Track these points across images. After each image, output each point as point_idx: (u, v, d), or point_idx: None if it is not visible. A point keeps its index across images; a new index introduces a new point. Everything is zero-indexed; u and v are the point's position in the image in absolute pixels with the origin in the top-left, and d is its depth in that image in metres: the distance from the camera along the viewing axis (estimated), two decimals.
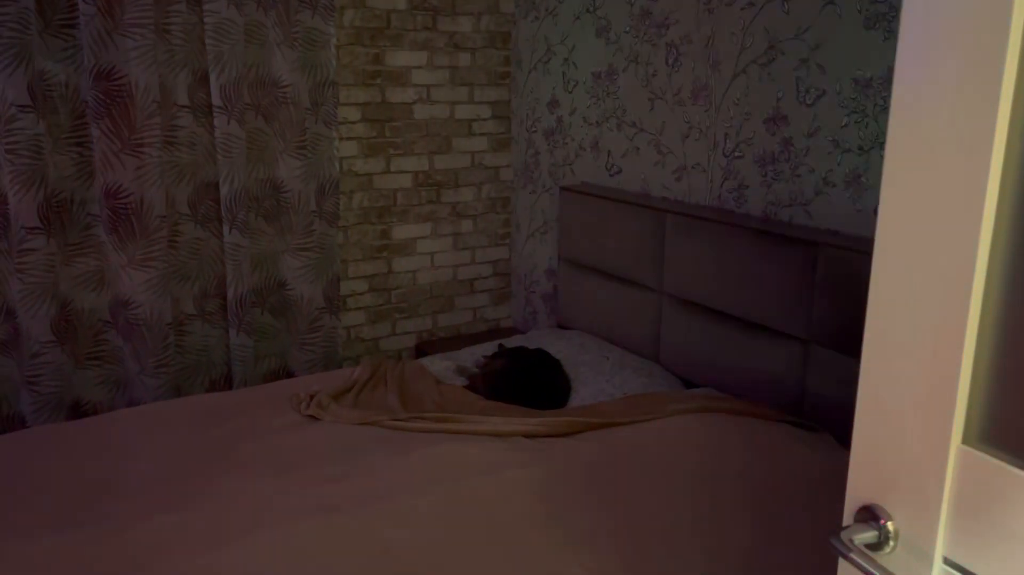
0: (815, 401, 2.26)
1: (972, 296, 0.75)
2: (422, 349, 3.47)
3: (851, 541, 0.84)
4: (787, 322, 2.30)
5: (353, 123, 3.22)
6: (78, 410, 2.82)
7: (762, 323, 2.37)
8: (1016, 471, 0.74)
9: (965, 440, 0.78)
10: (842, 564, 0.88)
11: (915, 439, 0.81)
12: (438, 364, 2.80)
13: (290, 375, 3.16)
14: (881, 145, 2.12)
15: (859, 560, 0.81)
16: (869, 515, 0.86)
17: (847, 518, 0.89)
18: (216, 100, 2.80)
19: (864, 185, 2.20)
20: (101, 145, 2.66)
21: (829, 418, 2.20)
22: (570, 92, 3.24)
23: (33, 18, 2.52)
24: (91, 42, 2.59)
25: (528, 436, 2.18)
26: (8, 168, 2.54)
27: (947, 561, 0.80)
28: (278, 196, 3.03)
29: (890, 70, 2.06)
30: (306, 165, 3.03)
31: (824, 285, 2.19)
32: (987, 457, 0.76)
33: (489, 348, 2.93)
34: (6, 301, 2.68)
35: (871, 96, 2.15)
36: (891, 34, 2.09)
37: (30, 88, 2.53)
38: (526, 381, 2.55)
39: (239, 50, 2.81)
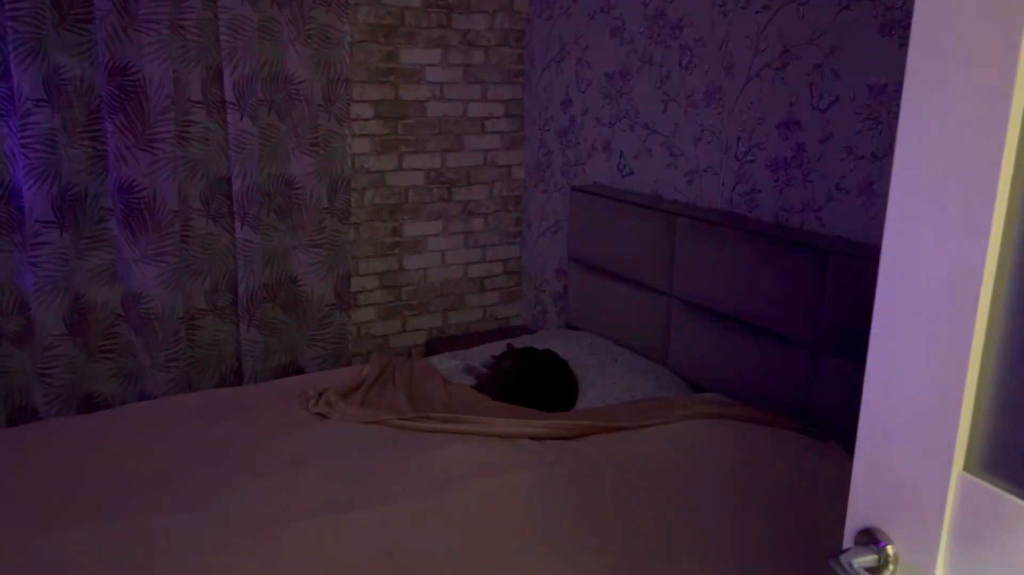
0: (823, 409, 2.25)
1: (977, 322, 0.75)
2: (432, 346, 3.48)
3: (851, 564, 0.83)
4: (796, 328, 2.29)
5: (366, 120, 3.23)
6: (90, 402, 2.85)
7: (771, 329, 2.36)
8: (1016, 501, 0.73)
9: (967, 467, 0.77)
10: None
11: (917, 464, 0.81)
12: (446, 363, 2.81)
13: (300, 371, 3.17)
14: None
15: None
16: (869, 538, 0.85)
17: (847, 540, 0.88)
18: (229, 96, 2.81)
19: (876, 193, 2.18)
20: (115, 140, 2.68)
21: (836, 426, 2.20)
22: (583, 92, 3.23)
23: (48, 13, 2.53)
24: (106, 37, 2.60)
25: (534, 438, 2.19)
26: (23, 162, 2.56)
27: None
28: (290, 192, 3.04)
29: None
30: (318, 162, 3.03)
31: (834, 292, 2.18)
32: (988, 485, 0.75)
33: (498, 347, 2.93)
34: (20, 294, 2.70)
35: (885, 103, 2.13)
36: (907, 41, 2.06)
37: (45, 82, 2.54)
38: (534, 383, 2.55)
39: (253, 46, 2.82)
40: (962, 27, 0.74)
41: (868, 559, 0.84)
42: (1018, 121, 0.71)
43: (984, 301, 0.74)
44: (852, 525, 0.88)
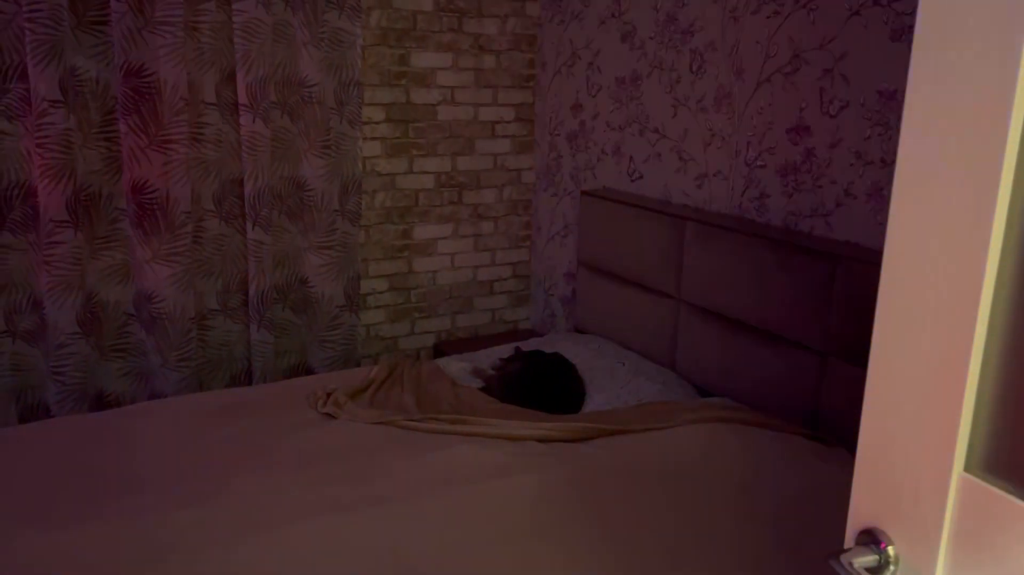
0: (830, 414, 2.25)
1: (977, 323, 0.75)
2: (440, 349, 3.49)
3: (851, 564, 0.84)
4: (804, 333, 2.29)
5: (377, 123, 3.25)
6: (101, 401, 2.87)
7: (779, 334, 2.37)
8: (1016, 501, 0.73)
9: (967, 468, 0.78)
10: None
11: (917, 465, 0.81)
12: (455, 365, 2.82)
13: (309, 371, 3.19)
14: None
15: None
16: (870, 539, 0.86)
17: (848, 540, 0.89)
18: (242, 98, 2.83)
19: (886, 198, 2.18)
20: (129, 141, 2.71)
21: (844, 432, 2.19)
22: (593, 96, 3.24)
23: (66, 15, 2.56)
24: (122, 39, 2.63)
25: (541, 441, 2.19)
26: (38, 161, 2.60)
27: None
28: (301, 194, 3.06)
29: None
30: (330, 164, 3.06)
31: (842, 298, 2.18)
32: (988, 486, 0.76)
33: (506, 350, 2.94)
34: (34, 293, 2.73)
35: (895, 109, 2.13)
36: None
37: (61, 83, 2.57)
38: (541, 385, 2.56)
39: (266, 49, 2.84)
40: (964, 34, 0.75)
41: (868, 559, 0.85)
42: (1019, 127, 0.71)
43: (984, 303, 0.74)
44: (853, 525, 0.89)
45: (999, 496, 0.75)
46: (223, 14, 2.79)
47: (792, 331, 2.33)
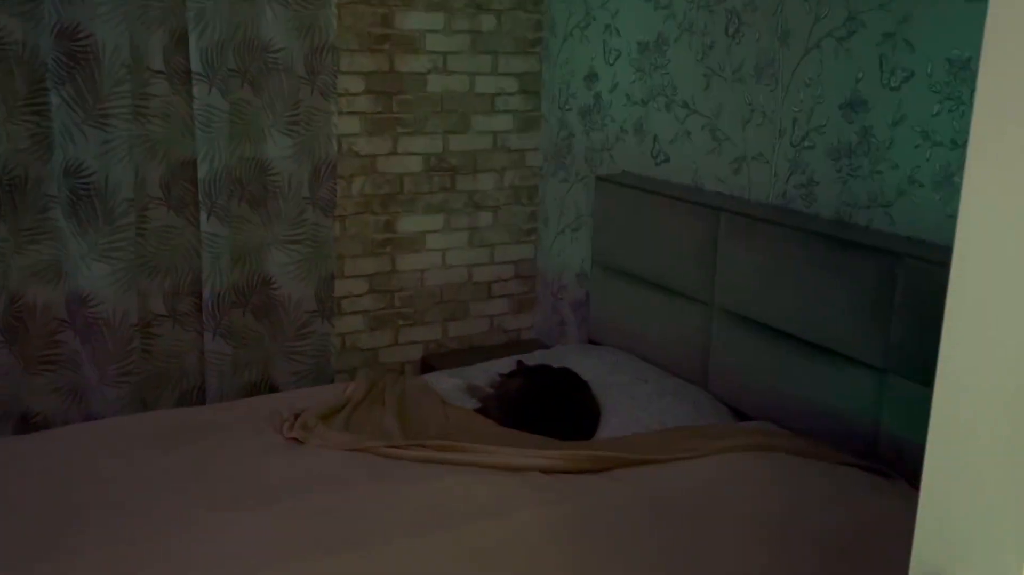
0: (891, 441, 2.25)
1: None
2: (428, 362, 3.50)
3: None
4: (861, 346, 2.29)
5: (355, 95, 3.25)
6: (27, 422, 2.88)
7: (831, 346, 2.37)
8: None
9: None
10: None
11: (994, 504, 0.81)
12: (445, 382, 2.82)
13: (273, 389, 3.20)
14: None
15: None
16: None
17: None
18: (196, 65, 2.84)
19: (957, 186, 2.18)
20: (61, 115, 2.72)
21: (907, 462, 2.19)
22: (611, 64, 3.25)
23: None
24: None
25: (546, 472, 2.20)
26: None
27: None
28: (265, 179, 3.07)
29: None
30: (299, 143, 3.06)
31: (906, 303, 2.18)
32: None
33: (506, 364, 2.95)
34: None
35: (968, 80, 2.13)
36: None
37: None
38: (547, 405, 2.56)
39: (224, 7, 2.85)
40: None
41: None
42: None
43: None
44: (917, 571, 0.88)
45: None
46: None
47: (846, 343, 2.33)
